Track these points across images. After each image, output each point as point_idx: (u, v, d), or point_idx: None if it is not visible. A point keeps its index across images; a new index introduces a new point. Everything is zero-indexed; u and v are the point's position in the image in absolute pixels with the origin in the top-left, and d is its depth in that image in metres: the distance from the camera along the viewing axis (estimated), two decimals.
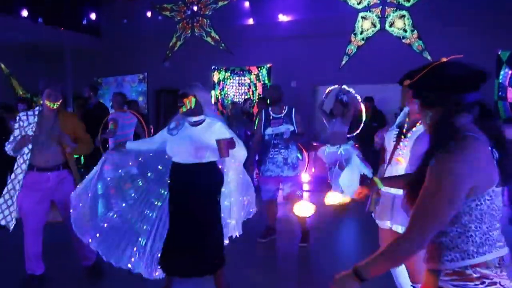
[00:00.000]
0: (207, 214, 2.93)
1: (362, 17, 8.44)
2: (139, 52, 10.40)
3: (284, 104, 4.49)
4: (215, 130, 2.91)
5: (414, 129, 2.49)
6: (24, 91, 10.41)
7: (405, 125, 2.56)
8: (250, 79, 9.46)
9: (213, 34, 9.75)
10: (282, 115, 4.42)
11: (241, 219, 3.39)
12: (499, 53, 7.28)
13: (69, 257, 3.64)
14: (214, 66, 9.80)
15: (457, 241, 1.32)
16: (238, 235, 3.38)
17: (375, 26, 8.35)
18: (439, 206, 1.27)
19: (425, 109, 1.43)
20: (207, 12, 9.75)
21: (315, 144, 7.59)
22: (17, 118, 3.28)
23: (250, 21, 9.36)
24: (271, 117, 4.45)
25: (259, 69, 9.34)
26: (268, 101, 4.56)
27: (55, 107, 3.22)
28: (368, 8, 8.36)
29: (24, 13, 8.37)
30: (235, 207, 3.30)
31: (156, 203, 3.09)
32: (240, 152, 3.03)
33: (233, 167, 3.22)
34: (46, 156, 3.20)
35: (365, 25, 8.44)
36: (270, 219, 4.62)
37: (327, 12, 8.53)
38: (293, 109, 4.46)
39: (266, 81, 9.28)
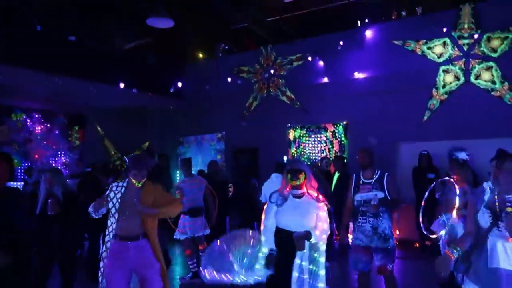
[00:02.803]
0: None
1: (444, 71, 8.11)
2: (218, 112, 10.91)
3: (376, 169, 4.23)
4: (320, 207, 3.28)
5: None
6: (116, 151, 11.31)
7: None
8: (326, 136, 9.38)
9: (288, 93, 9.97)
10: (373, 180, 4.15)
11: None
12: None
13: None
14: (289, 124, 9.92)
15: None
16: None
17: (458, 79, 7.96)
18: None
19: None
20: (282, 73, 10.06)
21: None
22: (110, 187, 3.50)
23: (325, 80, 9.45)
24: (361, 182, 4.22)
25: (335, 126, 9.26)
26: (359, 166, 4.33)
27: (139, 185, 3.39)
28: (449, 61, 8.04)
29: (121, 85, 9.30)
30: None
31: None
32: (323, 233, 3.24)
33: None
34: (127, 226, 3.32)
35: (448, 79, 8.08)
36: None
37: (405, 67, 8.35)
38: (386, 174, 4.17)
39: (343, 138, 9.13)
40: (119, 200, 3.34)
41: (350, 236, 4.53)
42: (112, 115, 11.19)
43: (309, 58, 9.50)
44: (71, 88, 8.83)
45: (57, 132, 10.41)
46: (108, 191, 3.43)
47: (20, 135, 9.63)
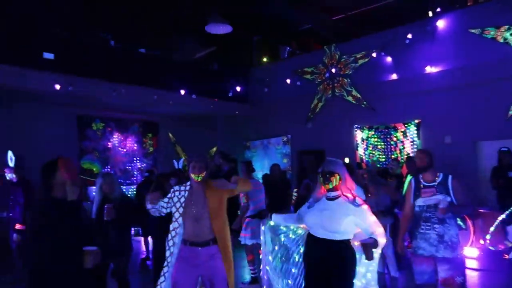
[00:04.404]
0: None
1: None
2: (283, 115, 10.84)
3: (437, 171, 3.83)
4: (357, 212, 2.99)
5: None
6: (187, 156, 11.75)
7: None
8: (396, 137, 8.81)
9: (354, 92, 9.57)
10: (436, 183, 3.76)
11: None
12: None
13: None
14: (356, 125, 9.49)
15: None
16: None
17: None
18: None
19: None
20: (347, 72, 9.68)
21: (481, 210, 6.44)
22: (172, 190, 3.41)
23: (394, 76, 8.90)
24: (421, 186, 3.83)
25: (406, 125, 8.66)
26: (417, 169, 3.97)
27: (199, 179, 3.25)
28: None
29: (181, 91, 9.63)
30: None
31: None
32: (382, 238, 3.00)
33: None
34: (196, 231, 3.22)
35: None
36: None
37: (485, 57, 7.55)
38: (450, 177, 3.76)
39: (415, 138, 8.50)
40: (183, 204, 3.26)
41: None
42: (182, 122, 11.66)
43: (374, 55, 9.02)
44: (143, 97, 9.34)
45: (132, 139, 11.07)
46: (170, 194, 3.36)
47: (100, 143, 10.39)
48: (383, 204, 5.54)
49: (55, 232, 2.51)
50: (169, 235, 3.31)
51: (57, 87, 7.75)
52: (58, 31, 8.57)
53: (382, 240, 2.97)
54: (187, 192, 3.30)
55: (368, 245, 2.84)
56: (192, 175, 3.27)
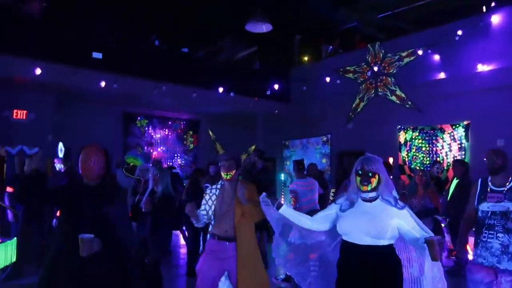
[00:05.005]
0: None
1: None
2: (323, 115, 10.65)
3: (511, 175, 3.45)
4: (401, 214, 2.58)
5: None
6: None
7: None
8: (443, 138, 8.38)
9: (398, 92, 9.21)
10: (505, 188, 3.40)
11: None
12: None
13: None
14: (400, 126, 9.13)
15: None
16: None
17: None
18: None
19: None
20: (391, 70, 9.34)
21: None
22: (205, 191, 3.55)
23: (441, 75, 8.47)
24: (488, 189, 3.48)
25: (453, 127, 8.21)
26: (488, 170, 3.61)
27: (228, 177, 3.33)
28: None
29: (220, 89, 9.71)
30: None
31: None
32: None
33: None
34: (225, 226, 3.31)
35: None
36: None
37: None
38: None
39: (463, 140, 8.04)
40: (214, 202, 3.39)
41: (470, 252, 3.87)
42: (223, 120, 11.78)
43: (420, 52, 8.62)
44: (183, 95, 9.53)
45: (174, 136, 11.33)
46: (204, 197, 3.48)
47: (143, 139, 10.73)
48: (426, 208, 5.34)
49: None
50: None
51: (103, 84, 8.07)
52: (107, 31, 8.94)
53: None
54: (218, 190, 3.44)
55: (433, 242, 2.36)
56: (222, 173, 3.37)
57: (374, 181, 2.57)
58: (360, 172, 2.60)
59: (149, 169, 4.65)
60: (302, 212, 5.17)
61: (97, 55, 8.54)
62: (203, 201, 3.48)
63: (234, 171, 3.34)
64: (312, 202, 5.42)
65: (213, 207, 3.39)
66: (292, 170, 5.80)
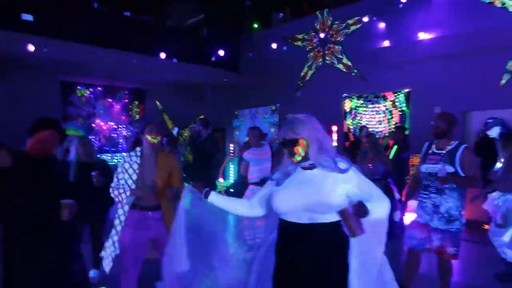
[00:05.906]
0: None
1: None
2: (272, 84, 10.54)
3: (453, 139, 3.55)
4: (346, 178, 2.10)
5: None
6: (173, 125, 11.54)
7: None
8: (385, 106, 8.55)
9: (345, 60, 9.23)
10: (444, 151, 3.51)
11: None
12: None
13: None
14: (345, 94, 9.21)
15: None
16: None
17: None
18: None
19: None
20: (338, 38, 9.31)
21: None
22: (121, 158, 3.39)
23: (386, 43, 8.53)
24: (430, 152, 3.62)
25: (395, 95, 8.38)
26: (434, 134, 3.61)
27: (156, 141, 3.32)
28: None
29: (162, 55, 9.29)
30: None
31: None
32: (377, 213, 2.08)
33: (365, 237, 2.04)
34: (145, 195, 3.26)
35: None
36: (405, 274, 3.70)
37: (480, 24, 7.16)
38: (463, 146, 3.46)
39: (404, 108, 8.24)
40: (136, 171, 3.28)
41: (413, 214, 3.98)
42: (170, 90, 11.40)
43: (365, 19, 8.60)
44: (128, 63, 9.03)
45: (118, 106, 10.84)
46: (120, 163, 3.34)
47: (84, 109, 10.17)
48: (378, 173, 5.41)
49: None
50: (118, 202, 3.29)
51: (31, 48, 7.45)
52: None
53: (383, 204, 2.13)
54: (138, 158, 3.33)
55: (346, 213, 1.95)
56: (149, 137, 3.29)
57: (300, 149, 2.10)
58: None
59: (71, 139, 4.42)
60: (254, 179, 5.08)
61: (27, 16, 7.85)
62: (120, 169, 3.30)
63: (160, 137, 3.35)
64: (265, 171, 5.32)
65: (134, 176, 3.26)
66: (252, 137, 5.52)
